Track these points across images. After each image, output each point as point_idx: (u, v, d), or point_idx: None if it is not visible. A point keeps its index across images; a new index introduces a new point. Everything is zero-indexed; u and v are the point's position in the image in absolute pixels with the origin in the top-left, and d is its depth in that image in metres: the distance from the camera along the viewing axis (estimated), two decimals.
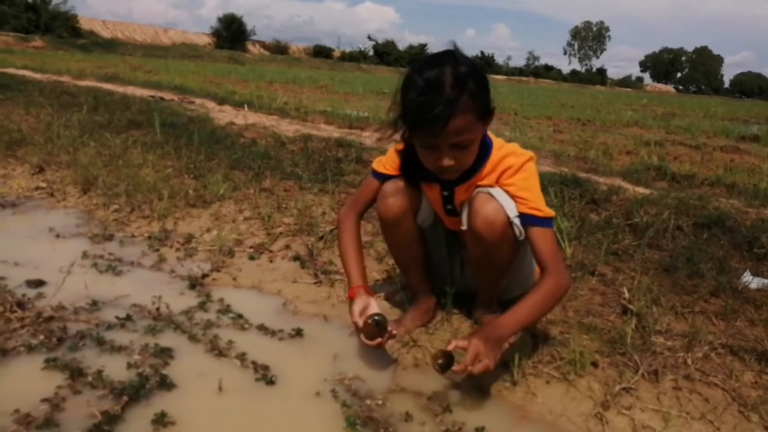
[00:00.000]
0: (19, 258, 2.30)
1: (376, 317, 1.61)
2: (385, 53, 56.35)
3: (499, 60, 72.46)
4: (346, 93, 13.20)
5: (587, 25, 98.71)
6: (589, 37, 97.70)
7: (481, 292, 1.88)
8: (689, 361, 1.65)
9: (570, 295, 2.06)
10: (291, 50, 54.21)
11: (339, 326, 1.92)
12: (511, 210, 1.62)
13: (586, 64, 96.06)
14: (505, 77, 59.73)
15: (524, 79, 61.63)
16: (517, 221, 1.62)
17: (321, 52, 55.26)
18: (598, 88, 51.25)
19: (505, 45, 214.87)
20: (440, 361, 1.46)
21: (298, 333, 1.83)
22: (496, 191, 1.65)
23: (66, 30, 36.49)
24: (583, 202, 2.90)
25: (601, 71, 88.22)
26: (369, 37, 60.16)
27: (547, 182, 3.04)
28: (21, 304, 1.86)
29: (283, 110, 6.73)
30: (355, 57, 55.33)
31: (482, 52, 66.63)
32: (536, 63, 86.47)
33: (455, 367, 1.43)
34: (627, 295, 2.00)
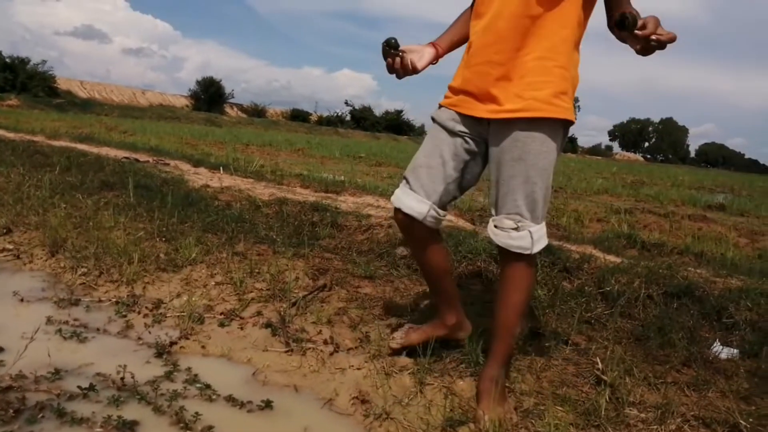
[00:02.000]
0: None
1: (390, 39, 1.74)
2: (362, 118, 57.51)
3: None
4: (323, 156, 13.37)
5: None
6: None
7: None
8: None
9: (543, 364, 2.06)
10: (269, 113, 55.00)
11: (310, 398, 1.88)
12: None
13: None
14: None
15: None
16: None
17: (298, 116, 56.17)
18: (569, 156, 52.74)
19: None
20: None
21: (268, 405, 1.78)
22: None
23: (42, 89, 36.63)
24: (556, 270, 2.94)
25: (572, 140, 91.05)
26: (346, 103, 61.54)
27: None
28: None
29: (259, 173, 6.75)
30: (333, 121, 56.33)
31: None
32: None
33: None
34: (600, 365, 2.00)
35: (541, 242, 1.76)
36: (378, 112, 60.03)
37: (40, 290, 2.67)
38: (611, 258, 3.25)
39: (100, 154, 7.10)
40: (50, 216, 3.67)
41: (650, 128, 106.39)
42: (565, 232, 4.50)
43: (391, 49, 1.75)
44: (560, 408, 1.76)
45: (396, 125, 58.17)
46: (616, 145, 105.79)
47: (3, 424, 1.54)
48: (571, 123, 1.72)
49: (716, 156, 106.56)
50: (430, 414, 1.75)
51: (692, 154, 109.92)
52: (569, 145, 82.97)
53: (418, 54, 1.86)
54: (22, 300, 2.52)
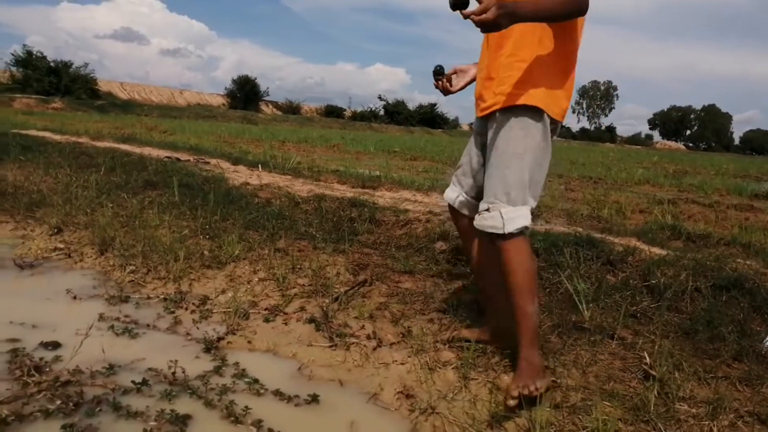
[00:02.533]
0: (36, 320, 2.32)
1: (436, 66, 2.09)
2: (395, 112, 57.40)
3: None
4: (357, 152, 13.40)
5: (595, 84, 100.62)
6: (597, 96, 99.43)
7: None
8: (715, 430, 1.61)
9: (589, 359, 2.03)
10: (303, 110, 55.44)
11: (355, 392, 1.90)
12: None
13: (595, 123, 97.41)
14: None
15: None
16: None
17: (332, 112, 56.42)
18: (607, 146, 51.69)
19: None
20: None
21: (314, 399, 1.81)
22: None
23: (85, 92, 37.64)
24: (599, 263, 2.89)
25: (611, 129, 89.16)
26: (380, 97, 61.25)
27: (561, 243, 3.05)
28: (38, 368, 1.86)
29: (297, 170, 6.82)
30: (366, 116, 56.41)
31: None
32: None
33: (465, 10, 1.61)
34: (648, 360, 1.96)
35: (515, 222, 1.83)
36: (411, 105, 59.81)
37: (91, 288, 2.76)
38: (656, 250, 3.19)
39: (143, 154, 7.27)
40: (98, 215, 3.79)
41: (692, 116, 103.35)
42: (607, 224, 4.41)
43: (437, 75, 2.10)
44: (608, 403, 1.74)
45: (430, 119, 57.89)
46: (656, 134, 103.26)
47: (65, 416, 1.61)
48: (536, 108, 1.87)
49: (762, 143, 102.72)
50: (476, 409, 1.76)
51: (736, 142, 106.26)
52: (607, 134, 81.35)
53: (463, 73, 2.15)
54: (75, 297, 2.61)
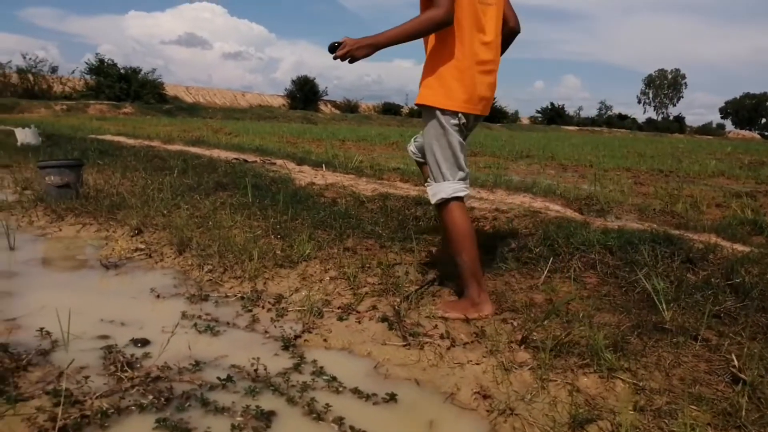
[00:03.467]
0: (124, 318, 2.44)
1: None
2: None
3: (570, 110, 71.68)
4: None
5: (662, 73, 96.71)
6: (665, 85, 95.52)
7: None
8: None
9: (673, 361, 1.97)
10: (361, 108, 55.88)
11: (432, 392, 1.91)
12: None
13: (662, 113, 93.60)
14: (576, 128, 59.00)
15: (597, 129, 60.61)
16: None
17: (390, 110, 56.62)
18: (676, 137, 49.54)
19: (576, 95, 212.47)
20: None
21: (392, 398, 1.83)
22: None
23: (153, 96, 39.26)
24: (678, 261, 2.79)
25: (679, 119, 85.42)
26: None
27: (636, 240, 2.96)
28: (130, 364, 1.96)
29: (359, 169, 6.89)
30: None
31: (552, 104, 66.34)
32: (609, 112, 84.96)
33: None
34: (737, 362, 1.89)
35: (436, 195, 2.48)
36: None
37: (172, 287, 2.89)
38: (738, 247, 3.05)
39: (212, 156, 7.53)
40: (175, 217, 3.95)
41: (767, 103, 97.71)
42: (683, 220, 4.25)
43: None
44: (695, 407, 1.68)
45: (489, 113, 57.23)
46: (728, 123, 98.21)
47: (157, 411, 1.69)
48: (427, 106, 2.41)
49: None
50: (556, 411, 1.74)
51: None
52: (676, 125, 77.90)
53: None
54: (158, 296, 2.74)
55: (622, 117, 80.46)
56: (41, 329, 2.22)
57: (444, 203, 2.45)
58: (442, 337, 2.25)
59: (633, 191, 6.25)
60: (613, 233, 3.12)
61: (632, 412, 1.68)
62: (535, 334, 2.17)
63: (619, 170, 9.19)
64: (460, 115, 2.39)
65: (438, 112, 2.38)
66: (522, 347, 2.11)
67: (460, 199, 2.45)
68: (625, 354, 2.01)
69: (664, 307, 2.33)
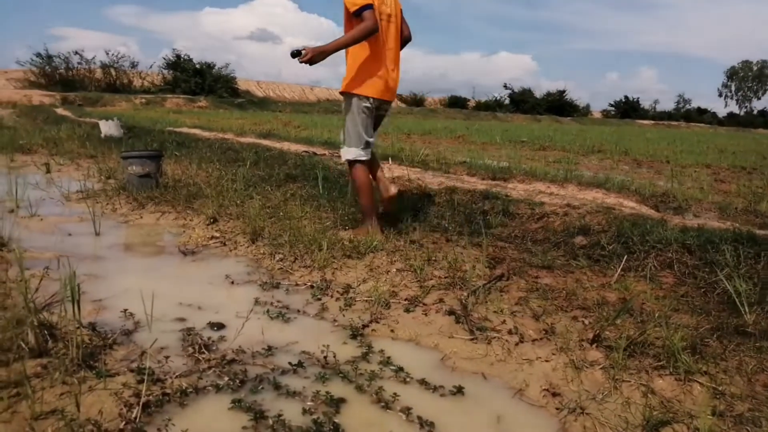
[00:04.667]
0: (201, 302, 2.55)
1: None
2: (521, 101, 55.93)
3: (645, 104, 68.59)
4: (483, 143, 13.23)
5: (746, 64, 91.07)
6: (749, 78, 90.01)
7: None
8: None
9: (756, 366, 1.88)
10: (427, 102, 55.67)
11: (500, 386, 1.90)
12: None
13: (745, 107, 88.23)
14: (652, 122, 56.55)
15: (674, 123, 57.85)
16: None
17: (456, 103, 56.07)
18: (760, 132, 46.73)
19: (652, 88, 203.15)
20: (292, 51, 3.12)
21: (459, 390, 1.83)
22: None
23: (226, 91, 40.49)
24: (763, 262, 2.64)
25: (764, 113, 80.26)
26: (505, 86, 59.84)
27: (717, 239, 2.83)
28: (207, 346, 2.05)
29: (425, 162, 6.88)
30: (491, 106, 55.47)
31: (626, 97, 63.78)
32: (687, 106, 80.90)
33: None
34: None
35: (346, 156, 3.49)
36: (538, 93, 57.93)
37: (245, 274, 2.99)
38: None
39: (282, 148, 7.71)
40: (248, 207, 4.08)
41: None
42: (767, 220, 4.01)
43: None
44: None
45: (558, 106, 55.71)
46: None
47: (233, 392, 1.76)
48: (348, 92, 3.40)
49: None
50: (629, 412, 1.69)
51: None
52: (760, 119, 73.28)
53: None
54: (232, 283, 2.84)
55: (701, 111, 76.43)
56: (125, 310, 2.36)
57: (351, 163, 3.48)
58: (510, 332, 2.23)
59: (713, 189, 5.94)
60: (692, 232, 2.99)
61: (711, 417, 1.62)
62: (607, 332, 2.12)
63: (698, 166, 8.75)
64: (371, 99, 3.37)
65: (355, 98, 3.37)
66: (593, 346, 2.06)
67: (362, 161, 3.45)
68: (703, 357, 1.93)
69: (747, 309, 2.22)
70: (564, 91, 57.79)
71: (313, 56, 3.13)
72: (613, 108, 64.37)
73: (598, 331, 2.11)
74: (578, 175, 5.88)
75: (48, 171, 6.36)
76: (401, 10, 3.53)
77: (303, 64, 3.14)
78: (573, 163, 7.97)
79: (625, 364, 1.91)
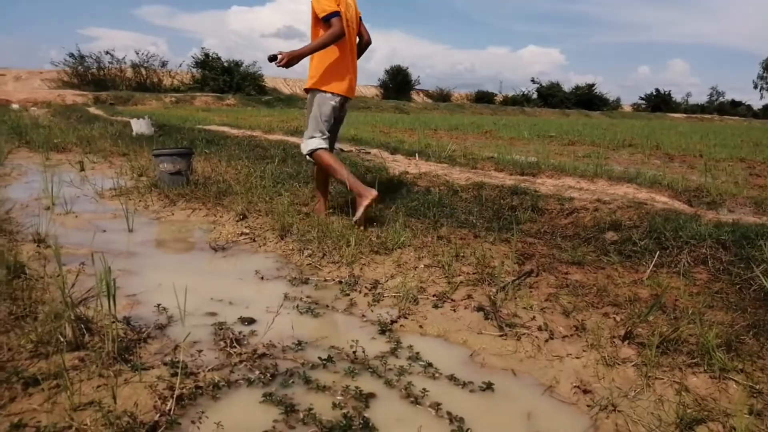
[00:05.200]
0: (231, 297, 2.59)
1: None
2: (549, 95, 55.32)
3: (677, 97, 67.05)
4: (511, 138, 13.11)
5: None
6: None
7: None
8: None
9: None
10: (453, 97, 55.39)
11: (530, 383, 1.89)
12: None
13: None
14: (684, 115, 55.35)
15: (707, 116, 56.51)
16: None
17: (483, 98, 55.70)
18: None
19: (684, 81, 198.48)
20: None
21: (489, 387, 1.83)
22: None
23: (253, 88, 40.86)
24: None
25: None
26: (533, 80, 59.27)
27: (754, 235, 2.76)
28: (238, 341, 2.08)
29: (452, 158, 6.85)
30: (518, 101, 54.97)
31: (657, 90, 62.53)
32: (721, 99, 78.83)
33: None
34: None
35: (309, 146, 3.78)
36: (567, 87, 57.19)
37: (275, 269, 3.02)
38: None
39: None
40: (276, 203, 4.12)
41: None
42: None
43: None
44: None
45: (587, 100, 54.94)
46: None
47: (264, 386, 1.79)
48: (313, 89, 3.75)
49: None
50: (662, 410, 1.67)
51: None
52: None
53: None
54: (262, 278, 2.88)
55: (735, 104, 74.41)
56: (158, 305, 2.40)
57: (315, 152, 3.76)
58: (540, 329, 2.21)
59: (748, 183, 5.79)
60: (727, 227, 2.92)
61: (747, 416, 1.58)
62: (639, 329, 2.09)
63: (732, 160, 8.54)
64: (337, 97, 3.73)
65: (321, 94, 3.70)
66: (625, 343, 2.04)
67: (324, 148, 3.77)
68: (739, 354, 1.89)
69: None
70: (593, 85, 57.02)
71: (289, 60, 3.47)
72: (643, 101, 63.20)
73: (629, 328, 2.09)
74: (608, 170, 5.79)
75: (82, 169, 6.50)
76: (360, 17, 3.93)
77: (280, 67, 3.50)
78: (603, 157, 7.85)
79: (657, 361, 1.88)
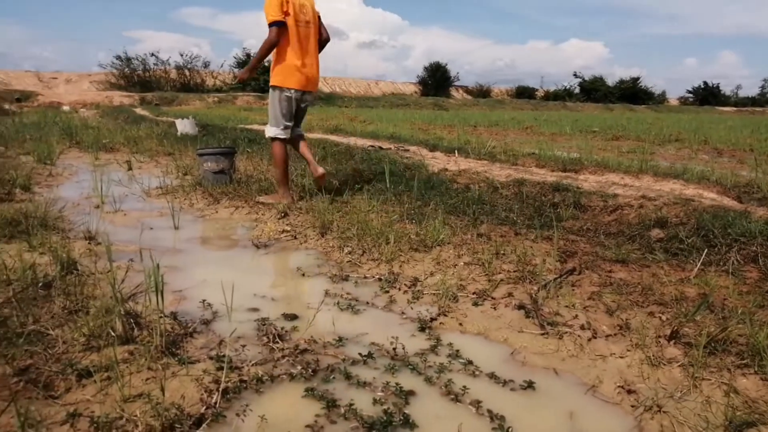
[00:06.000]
0: (274, 294, 2.64)
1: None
2: (592, 89, 54.21)
3: (726, 90, 64.75)
4: (552, 133, 12.92)
5: None
6: None
7: None
8: None
9: None
10: (493, 93, 54.83)
11: (572, 382, 1.86)
12: None
13: None
14: (733, 108, 53.45)
15: (758, 109, 54.44)
16: None
17: (524, 93, 54.99)
18: None
19: (734, 73, 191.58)
20: None
21: (530, 385, 1.81)
22: None
23: None
24: None
25: None
26: (575, 74, 58.32)
27: None
28: (281, 336, 2.12)
29: (492, 155, 6.80)
30: (560, 95, 54.06)
31: (705, 83, 60.56)
32: None
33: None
34: None
35: (269, 133, 4.44)
36: (611, 81, 55.93)
37: (315, 266, 3.06)
38: None
39: (349, 143, 7.80)
40: (317, 201, 4.16)
41: None
42: None
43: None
44: None
45: (631, 94, 53.63)
46: None
47: (305, 380, 1.82)
48: (273, 86, 4.36)
49: None
50: (710, 411, 1.62)
51: None
52: None
53: None
54: (303, 275, 2.92)
55: None
56: (203, 301, 2.47)
57: (272, 140, 4.41)
58: (582, 327, 2.18)
59: None
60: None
61: None
62: (686, 329, 2.04)
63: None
64: (293, 90, 4.27)
65: (278, 89, 4.29)
66: (671, 342, 1.99)
67: (281, 139, 4.39)
68: None
69: None
70: (638, 79, 55.64)
71: (244, 76, 4.52)
72: (691, 95, 61.33)
73: (676, 327, 2.04)
74: (654, 166, 5.65)
75: (129, 168, 6.70)
76: (319, 16, 4.42)
77: (239, 84, 4.97)
78: (648, 152, 7.66)
79: (705, 361, 1.83)
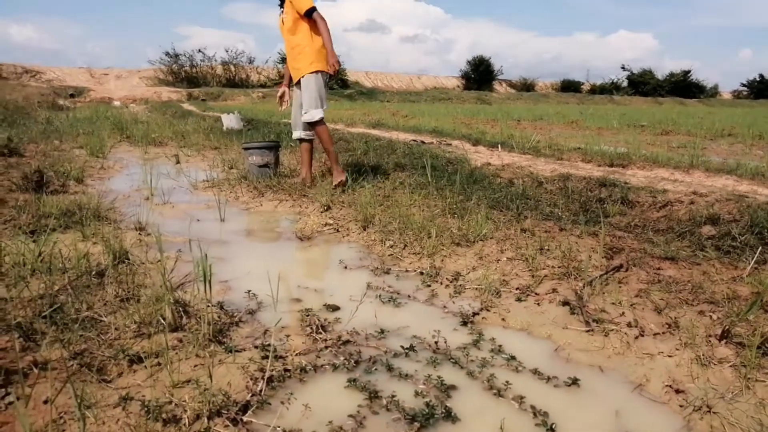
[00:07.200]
0: (316, 285, 2.67)
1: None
2: (641, 83, 52.71)
3: None
4: (599, 128, 12.62)
5: None
6: None
7: None
8: None
9: None
10: (537, 86, 53.95)
11: (618, 380, 1.83)
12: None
13: None
14: None
15: None
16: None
17: (569, 87, 53.90)
18: None
19: None
20: None
21: (574, 382, 1.79)
22: None
23: (336, 82, 41.62)
24: None
25: None
26: (623, 67, 56.72)
27: None
28: (323, 327, 2.15)
29: (536, 149, 6.70)
30: (606, 89, 52.78)
31: (761, 75, 58.04)
32: None
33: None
34: None
35: (316, 116, 4.60)
36: (660, 74, 54.26)
37: (357, 259, 3.08)
38: None
39: (391, 138, 7.82)
40: (359, 195, 4.19)
41: None
42: None
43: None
44: None
45: (682, 87, 51.93)
46: None
47: (348, 371, 1.84)
48: (318, 71, 4.61)
49: None
50: (763, 413, 1.57)
51: None
52: None
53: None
54: (346, 267, 2.94)
55: None
56: (248, 291, 2.52)
57: (319, 121, 4.60)
58: (629, 325, 2.13)
59: None
60: None
61: None
62: (738, 328, 1.97)
63: None
64: (326, 74, 4.60)
65: (320, 73, 4.58)
66: (722, 342, 1.93)
67: (323, 120, 4.64)
68: None
69: None
70: (689, 71, 53.80)
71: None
72: (745, 88, 58.92)
73: (727, 327, 1.98)
74: (705, 161, 5.48)
75: (177, 162, 6.88)
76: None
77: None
78: (699, 148, 7.42)
79: (758, 362, 1.77)
